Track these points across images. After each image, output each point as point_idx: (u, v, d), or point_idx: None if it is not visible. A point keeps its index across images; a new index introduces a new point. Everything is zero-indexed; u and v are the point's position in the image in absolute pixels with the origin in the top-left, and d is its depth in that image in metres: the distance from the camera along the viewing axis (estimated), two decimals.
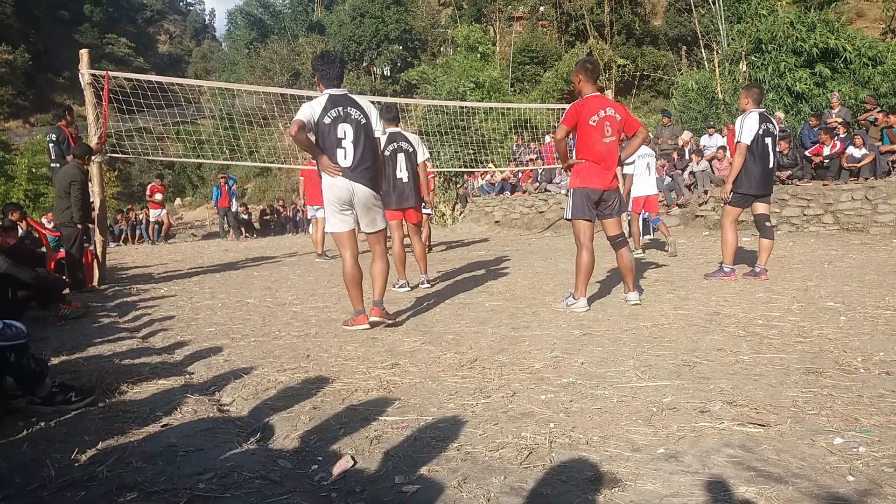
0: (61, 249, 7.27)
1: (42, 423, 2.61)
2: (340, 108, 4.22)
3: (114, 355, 3.84)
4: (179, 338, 4.38)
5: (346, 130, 4.21)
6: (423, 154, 6.32)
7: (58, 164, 7.30)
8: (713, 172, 12.30)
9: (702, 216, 11.89)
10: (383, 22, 36.78)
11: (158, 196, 18.09)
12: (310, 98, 4.51)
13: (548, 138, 15.80)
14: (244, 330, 4.57)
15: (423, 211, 6.93)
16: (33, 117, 41.30)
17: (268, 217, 21.51)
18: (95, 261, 7.54)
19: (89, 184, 7.27)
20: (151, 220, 18.20)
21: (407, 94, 28.64)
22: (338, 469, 2.09)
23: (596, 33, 30.04)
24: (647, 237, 10.15)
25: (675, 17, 30.21)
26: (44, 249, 7.87)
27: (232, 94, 18.18)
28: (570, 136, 4.84)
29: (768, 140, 5.75)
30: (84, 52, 7.54)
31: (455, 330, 4.27)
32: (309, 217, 11.43)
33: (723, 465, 2.03)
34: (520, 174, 16.65)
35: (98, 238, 7.57)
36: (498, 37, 32.62)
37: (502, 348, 3.70)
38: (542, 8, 34.28)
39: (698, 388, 2.81)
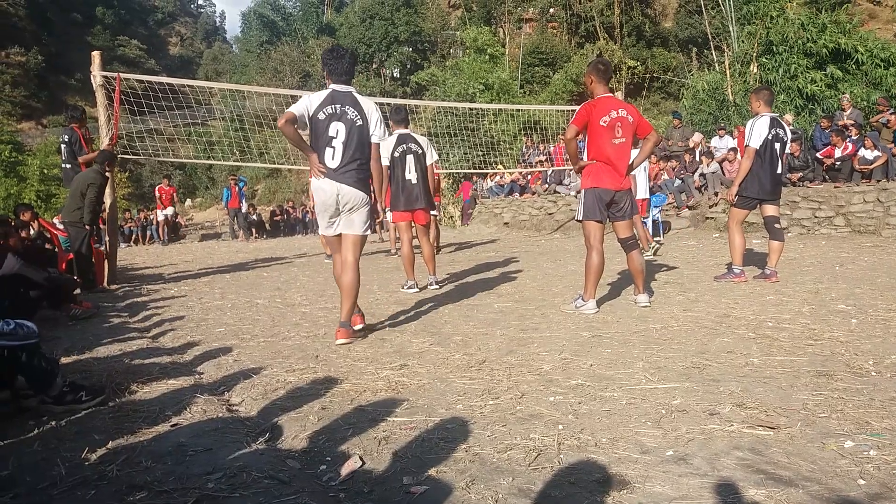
0: None
1: (53, 423, 2.63)
2: (338, 106, 3.97)
3: (124, 355, 3.87)
4: (189, 338, 4.41)
5: (338, 129, 3.95)
6: (431, 156, 6.33)
7: (69, 165, 7.35)
8: (723, 174, 12.23)
9: (712, 218, 11.81)
10: (393, 24, 36.83)
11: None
12: None
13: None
14: (254, 330, 4.59)
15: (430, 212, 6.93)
16: (46, 119, 41.58)
17: (277, 218, 21.59)
18: (106, 261, 7.60)
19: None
20: (160, 220, 18.38)
21: (417, 96, 28.65)
22: (346, 469, 2.09)
23: (606, 35, 29.95)
24: (658, 239, 10.10)
25: (685, 19, 30.08)
26: (56, 250, 7.92)
27: (242, 96, 18.25)
28: (581, 136, 4.83)
29: (777, 146, 5.74)
30: (96, 54, 7.62)
31: (464, 331, 4.27)
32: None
33: (732, 468, 2.02)
34: (529, 176, 16.63)
35: (108, 238, 7.63)
36: (507, 38, 32.56)
37: (511, 350, 3.70)
38: (552, 10, 34.20)
39: (708, 390, 2.80)
